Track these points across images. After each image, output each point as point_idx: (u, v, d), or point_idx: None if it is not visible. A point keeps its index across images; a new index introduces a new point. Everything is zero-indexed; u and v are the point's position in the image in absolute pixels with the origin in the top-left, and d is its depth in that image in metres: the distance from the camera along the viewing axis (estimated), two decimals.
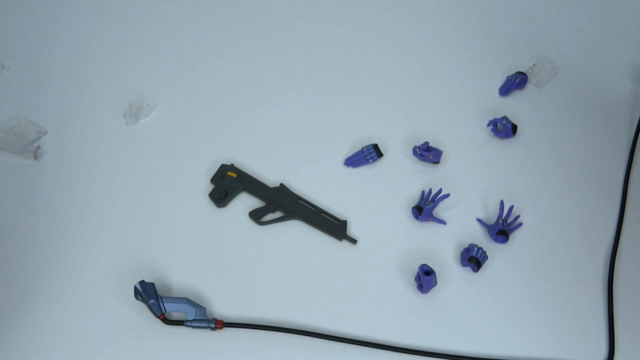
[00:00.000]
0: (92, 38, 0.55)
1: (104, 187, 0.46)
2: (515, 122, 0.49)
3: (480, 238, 0.44)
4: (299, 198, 0.45)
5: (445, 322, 0.41)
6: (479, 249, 0.42)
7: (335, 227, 0.44)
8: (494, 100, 0.51)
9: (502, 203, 0.44)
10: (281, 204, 0.44)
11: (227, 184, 0.45)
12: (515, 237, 0.44)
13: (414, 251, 0.43)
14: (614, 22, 0.57)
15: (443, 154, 0.48)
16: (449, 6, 0.58)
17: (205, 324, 0.39)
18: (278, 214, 0.44)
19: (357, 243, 0.44)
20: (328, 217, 0.44)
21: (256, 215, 0.44)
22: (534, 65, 0.53)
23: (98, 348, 0.39)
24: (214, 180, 0.46)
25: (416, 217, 0.44)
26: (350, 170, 0.47)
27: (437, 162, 0.47)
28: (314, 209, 0.44)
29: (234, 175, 0.45)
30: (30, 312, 0.41)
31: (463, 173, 0.47)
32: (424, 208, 0.44)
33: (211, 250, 0.43)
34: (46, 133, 0.49)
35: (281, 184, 0.45)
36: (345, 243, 0.44)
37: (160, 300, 0.39)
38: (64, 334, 0.40)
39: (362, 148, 0.47)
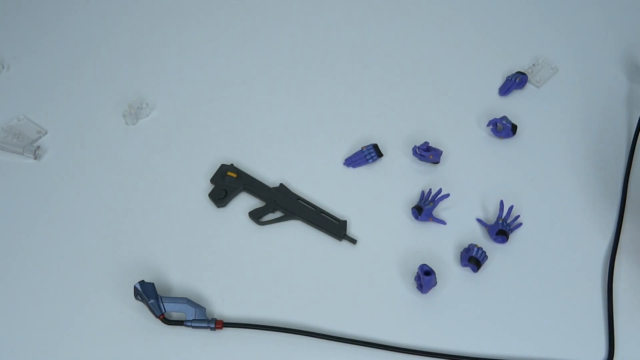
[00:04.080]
0: (92, 38, 0.55)
1: (103, 187, 0.46)
2: (515, 122, 0.49)
3: (480, 238, 0.44)
4: (299, 198, 0.45)
5: (445, 322, 0.41)
6: (479, 249, 0.42)
7: (335, 227, 0.44)
8: (494, 100, 0.51)
9: (501, 203, 0.44)
10: (281, 204, 0.44)
11: (227, 184, 0.45)
12: (515, 237, 0.44)
13: (413, 251, 0.43)
14: (613, 22, 0.57)
15: (443, 154, 0.48)
16: (449, 6, 0.58)
17: (205, 324, 0.39)
18: (278, 214, 0.44)
19: (357, 243, 0.44)
20: (328, 217, 0.44)
21: (256, 215, 0.44)
22: (533, 65, 0.53)
23: (97, 348, 0.39)
24: (213, 180, 0.46)
25: (416, 217, 0.44)
26: (350, 170, 0.47)
27: (437, 162, 0.47)
28: (313, 209, 0.44)
29: (234, 175, 0.45)
30: (29, 312, 0.41)
31: (463, 173, 0.47)
32: (424, 208, 0.44)
33: (211, 250, 0.43)
34: (46, 133, 0.49)
35: (281, 184, 0.45)
36: (345, 243, 0.44)
37: (160, 300, 0.39)
38: (63, 334, 0.40)
39: (362, 148, 0.47)
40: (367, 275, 0.42)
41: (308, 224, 0.44)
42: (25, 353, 0.39)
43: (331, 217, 0.44)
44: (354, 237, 0.44)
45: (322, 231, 0.44)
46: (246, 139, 0.49)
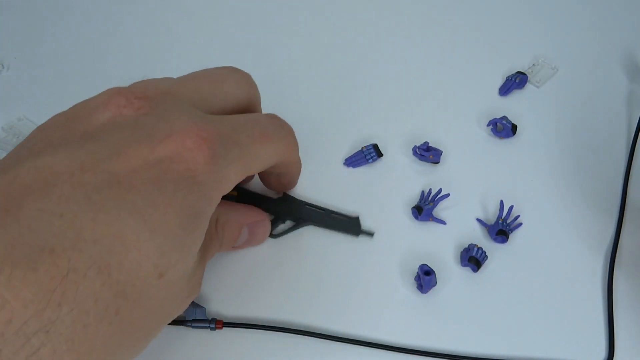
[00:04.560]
0: (93, 38, 0.55)
1: None
2: (515, 122, 0.49)
3: (480, 238, 0.44)
4: (307, 204, 0.44)
5: (445, 322, 0.41)
6: (479, 249, 0.42)
7: (350, 225, 0.43)
8: (494, 100, 0.51)
9: (502, 203, 0.44)
10: (290, 213, 0.43)
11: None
12: (515, 237, 0.44)
13: (413, 251, 0.43)
14: (613, 22, 0.57)
15: (443, 154, 0.48)
16: (448, 6, 0.58)
17: (205, 324, 0.39)
18: (289, 224, 0.44)
19: (358, 240, 0.43)
20: (340, 216, 0.44)
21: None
22: (533, 65, 0.53)
23: None
24: None
25: (416, 217, 0.44)
26: (350, 170, 0.47)
27: (437, 162, 0.47)
28: (323, 211, 0.44)
29: (235, 193, 0.44)
30: None
31: (463, 173, 0.47)
32: (424, 208, 0.44)
33: None
34: None
35: (284, 193, 0.44)
36: (345, 243, 0.43)
37: None
38: None
39: (362, 148, 0.47)
40: (366, 275, 0.42)
41: (322, 227, 0.43)
42: None
43: (343, 216, 0.44)
44: (370, 230, 0.44)
45: (337, 231, 0.43)
46: None
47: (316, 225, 0.44)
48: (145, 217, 0.24)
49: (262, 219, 0.40)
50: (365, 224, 0.44)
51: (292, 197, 0.44)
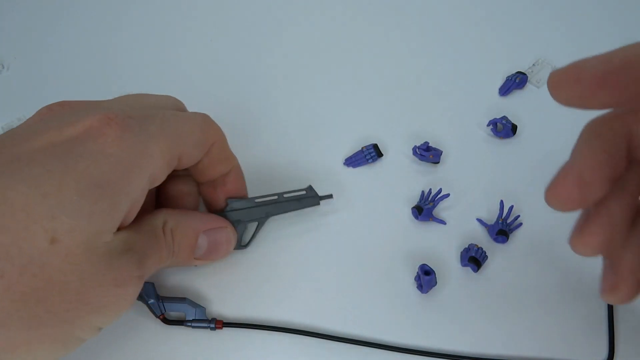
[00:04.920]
0: (93, 38, 0.55)
1: None
2: (515, 122, 0.49)
3: (480, 238, 0.44)
4: (255, 198, 0.41)
5: (445, 322, 0.41)
6: (479, 248, 0.42)
7: (308, 197, 0.42)
8: (494, 100, 0.51)
9: (502, 203, 0.44)
10: (245, 216, 0.41)
11: None
12: (515, 237, 0.44)
13: (414, 251, 0.43)
14: (613, 22, 0.57)
15: (443, 154, 0.48)
16: (449, 6, 0.58)
17: (205, 324, 0.39)
18: (251, 228, 0.42)
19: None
20: (293, 194, 0.42)
21: (237, 243, 0.41)
22: (533, 65, 0.53)
23: (97, 348, 0.39)
24: None
25: (416, 217, 0.44)
26: (350, 170, 0.47)
27: (437, 162, 0.47)
28: (276, 197, 0.41)
29: None
30: None
31: (463, 173, 0.47)
32: (424, 208, 0.44)
33: None
34: None
35: (227, 203, 0.40)
36: (346, 243, 0.43)
37: (159, 300, 0.39)
38: None
39: (362, 148, 0.47)
40: (367, 275, 0.42)
41: (282, 213, 0.41)
42: None
43: (296, 192, 0.42)
44: (327, 194, 0.43)
45: (299, 209, 0.42)
46: (248, 139, 0.49)
47: (277, 214, 0.41)
48: (38, 183, 0.25)
49: (223, 226, 0.38)
50: (364, 224, 0.44)
51: (236, 200, 0.40)
